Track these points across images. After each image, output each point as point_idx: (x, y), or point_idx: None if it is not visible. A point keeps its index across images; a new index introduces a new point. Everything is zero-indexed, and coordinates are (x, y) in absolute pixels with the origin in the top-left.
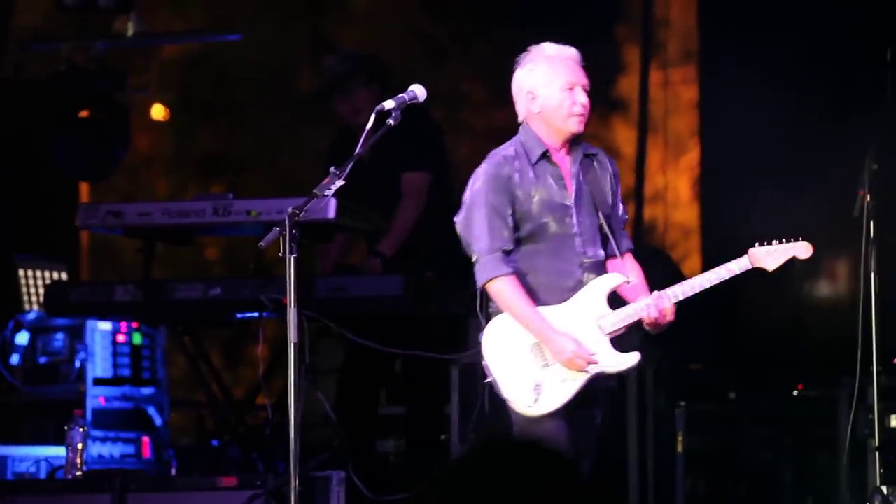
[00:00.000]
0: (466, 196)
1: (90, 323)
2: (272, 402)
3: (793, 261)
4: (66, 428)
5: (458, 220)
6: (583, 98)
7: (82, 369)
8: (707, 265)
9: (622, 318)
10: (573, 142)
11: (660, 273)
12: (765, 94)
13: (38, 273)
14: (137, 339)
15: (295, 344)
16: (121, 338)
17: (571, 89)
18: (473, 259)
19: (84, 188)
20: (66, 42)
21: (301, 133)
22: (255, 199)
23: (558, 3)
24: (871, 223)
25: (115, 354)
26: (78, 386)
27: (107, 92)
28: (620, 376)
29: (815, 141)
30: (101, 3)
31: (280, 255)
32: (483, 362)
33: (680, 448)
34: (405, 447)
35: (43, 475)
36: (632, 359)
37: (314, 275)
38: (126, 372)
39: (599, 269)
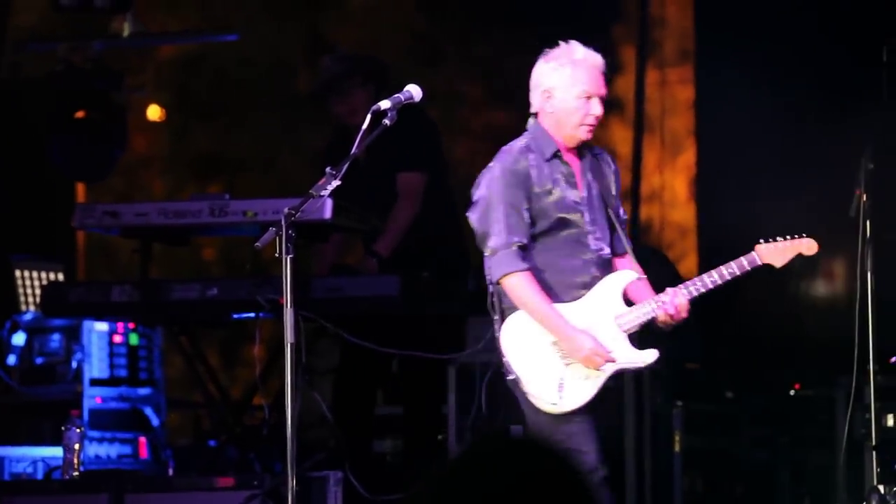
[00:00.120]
0: (482, 190)
1: (87, 323)
2: (269, 403)
3: (799, 257)
4: (62, 428)
5: (473, 214)
6: (597, 109)
7: (79, 370)
8: (704, 264)
9: (639, 314)
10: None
11: (657, 272)
12: (761, 94)
13: (35, 273)
14: (134, 339)
15: (291, 344)
16: (117, 338)
17: (588, 99)
18: (488, 253)
19: (81, 188)
20: (63, 42)
21: (298, 133)
22: (251, 200)
23: (555, 3)
24: (868, 222)
25: (111, 355)
26: (75, 386)
27: (103, 92)
28: (616, 375)
29: (812, 140)
30: (98, 4)
31: (276, 255)
32: (503, 359)
33: (677, 447)
34: (402, 447)
35: (40, 475)
36: (650, 356)
37: (310, 275)
38: (123, 372)
39: (609, 266)
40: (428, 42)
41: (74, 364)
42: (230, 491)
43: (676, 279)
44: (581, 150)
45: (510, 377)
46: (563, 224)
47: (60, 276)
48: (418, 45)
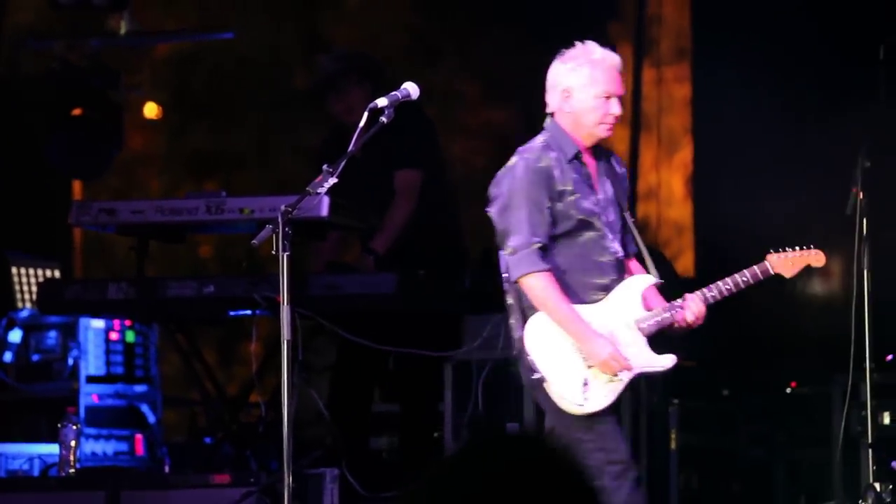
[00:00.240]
0: (503, 187)
1: (83, 321)
2: (265, 400)
3: (807, 268)
4: (59, 425)
5: (494, 211)
6: (616, 109)
7: (75, 367)
8: (700, 262)
9: (659, 319)
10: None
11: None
12: (758, 92)
13: (31, 271)
14: (130, 336)
15: (288, 341)
16: (114, 335)
17: (608, 99)
18: (508, 252)
19: (77, 186)
20: (60, 40)
21: (294, 131)
22: (248, 197)
23: (552, 2)
24: (864, 221)
25: (108, 352)
26: (71, 383)
27: (100, 90)
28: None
29: (808, 138)
30: (95, 2)
31: (273, 252)
32: (528, 358)
33: (673, 445)
34: (398, 444)
35: (36, 473)
36: (668, 360)
37: (307, 272)
38: (119, 369)
39: (624, 268)
40: (425, 40)
41: (71, 361)
42: (226, 488)
43: (673, 277)
44: (597, 151)
45: (535, 376)
46: (583, 226)
47: (57, 274)
48: (415, 44)
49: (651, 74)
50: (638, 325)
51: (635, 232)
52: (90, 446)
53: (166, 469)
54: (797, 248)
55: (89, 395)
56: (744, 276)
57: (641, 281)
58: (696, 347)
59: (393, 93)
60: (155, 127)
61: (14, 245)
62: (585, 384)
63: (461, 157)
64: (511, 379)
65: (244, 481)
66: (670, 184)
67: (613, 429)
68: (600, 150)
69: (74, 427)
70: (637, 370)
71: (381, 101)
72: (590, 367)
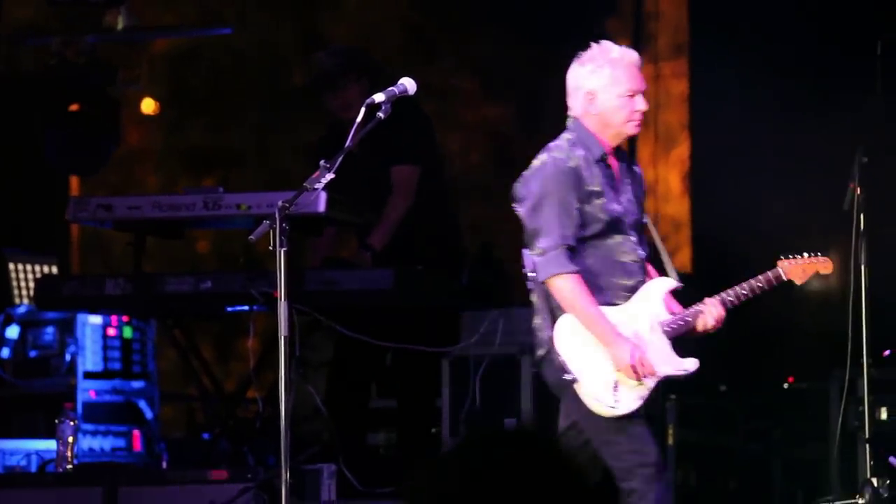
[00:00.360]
0: (533, 186)
1: (80, 316)
2: (263, 396)
3: (816, 275)
4: (56, 421)
5: (524, 210)
6: (642, 105)
7: (73, 363)
8: (697, 258)
9: (682, 322)
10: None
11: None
12: (755, 88)
13: (29, 266)
14: (128, 332)
15: (285, 337)
16: (111, 331)
17: (632, 96)
18: (537, 252)
19: (74, 182)
20: (57, 36)
21: (292, 128)
22: (245, 193)
23: None
24: (862, 216)
25: (105, 348)
26: (68, 379)
27: (98, 86)
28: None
29: (806, 134)
30: None
31: (270, 248)
32: (559, 359)
33: (671, 441)
34: (396, 440)
35: (34, 468)
36: (692, 364)
37: (304, 268)
38: (117, 365)
39: (646, 270)
40: (422, 37)
41: (68, 357)
42: (224, 484)
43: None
44: (618, 152)
45: (567, 377)
46: (611, 228)
47: (54, 270)
48: (413, 40)
49: (648, 70)
50: (662, 328)
51: (655, 234)
52: (87, 442)
53: (164, 465)
54: (806, 254)
55: (87, 391)
56: (759, 282)
57: (663, 284)
58: (693, 344)
59: (390, 88)
60: (152, 123)
61: (11, 241)
62: (616, 386)
63: (458, 152)
64: (509, 374)
65: (241, 477)
66: (667, 180)
67: (644, 431)
68: (621, 152)
69: (72, 423)
70: (662, 374)
71: (378, 97)
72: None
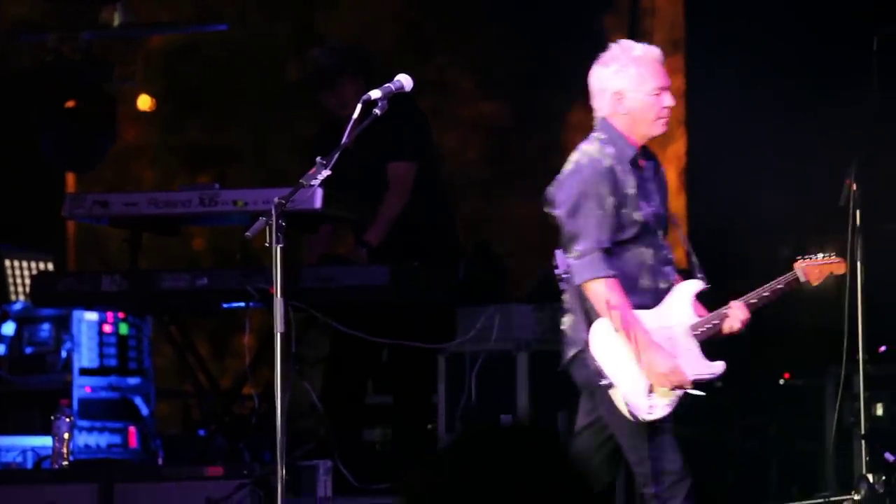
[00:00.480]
0: (571, 189)
1: (76, 313)
2: (259, 392)
3: (830, 276)
4: (52, 418)
5: (563, 213)
6: (670, 101)
7: (69, 359)
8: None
9: (710, 325)
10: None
11: None
12: (751, 84)
13: (25, 263)
14: (124, 329)
15: (281, 334)
16: (107, 328)
17: (659, 94)
18: (574, 255)
19: (70, 179)
20: (53, 33)
21: (288, 123)
22: (241, 189)
23: None
24: (857, 212)
25: (101, 344)
26: (64, 376)
27: (93, 83)
28: None
29: (802, 130)
30: None
31: (266, 244)
32: (595, 364)
33: None
34: (391, 436)
35: (29, 465)
36: (719, 367)
37: (301, 264)
38: (112, 362)
39: (675, 272)
40: (418, 34)
41: (64, 354)
42: (219, 480)
43: None
44: (646, 152)
45: (603, 382)
46: (645, 231)
47: (50, 266)
48: (409, 37)
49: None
50: (692, 332)
51: (682, 233)
52: (83, 439)
53: (159, 461)
54: (821, 255)
55: (82, 388)
56: (779, 284)
57: (692, 286)
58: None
59: (386, 85)
60: (148, 119)
61: (7, 237)
62: (650, 391)
63: (455, 149)
64: (505, 371)
65: (237, 473)
66: None
67: (670, 439)
68: (648, 151)
69: (68, 419)
70: (692, 377)
71: (375, 94)
72: None
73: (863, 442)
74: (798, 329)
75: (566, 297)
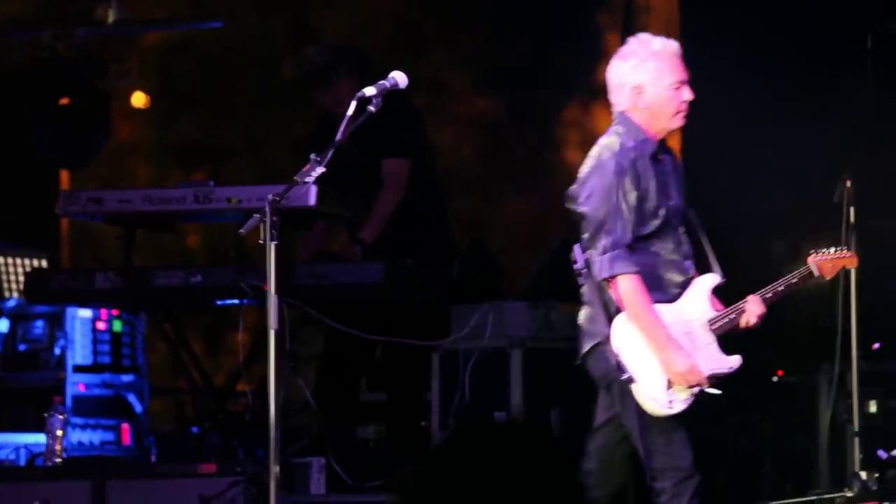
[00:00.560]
0: (596, 184)
1: (70, 310)
2: (252, 389)
3: (843, 270)
4: (45, 415)
5: (588, 209)
6: (689, 95)
7: (62, 356)
8: None
9: (728, 320)
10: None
11: None
12: (746, 81)
13: (18, 260)
14: (118, 326)
15: (275, 331)
16: (101, 325)
17: (678, 88)
18: (598, 251)
19: (65, 175)
20: (48, 30)
21: (283, 121)
22: (235, 187)
23: None
24: (852, 210)
25: (95, 341)
26: (58, 373)
27: (88, 80)
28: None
29: (796, 126)
30: None
31: (260, 241)
32: (617, 359)
33: None
34: (385, 434)
35: (23, 462)
36: (736, 361)
37: (295, 262)
38: (106, 359)
39: (693, 265)
40: (413, 30)
41: (58, 351)
42: (213, 477)
43: None
44: (664, 146)
45: (624, 377)
46: (666, 224)
47: (44, 263)
48: (403, 34)
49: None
50: (711, 326)
51: (699, 227)
52: (77, 436)
53: (153, 458)
54: (833, 249)
55: (76, 385)
56: (794, 278)
57: (710, 280)
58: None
59: (380, 82)
60: (142, 116)
61: (1, 235)
62: (669, 386)
63: (449, 146)
64: (499, 368)
65: (230, 470)
66: None
67: (683, 436)
68: (665, 145)
69: (61, 416)
70: (709, 373)
71: (369, 91)
72: None
73: (856, 439)
74: (791, 326)
75: (584, 290)
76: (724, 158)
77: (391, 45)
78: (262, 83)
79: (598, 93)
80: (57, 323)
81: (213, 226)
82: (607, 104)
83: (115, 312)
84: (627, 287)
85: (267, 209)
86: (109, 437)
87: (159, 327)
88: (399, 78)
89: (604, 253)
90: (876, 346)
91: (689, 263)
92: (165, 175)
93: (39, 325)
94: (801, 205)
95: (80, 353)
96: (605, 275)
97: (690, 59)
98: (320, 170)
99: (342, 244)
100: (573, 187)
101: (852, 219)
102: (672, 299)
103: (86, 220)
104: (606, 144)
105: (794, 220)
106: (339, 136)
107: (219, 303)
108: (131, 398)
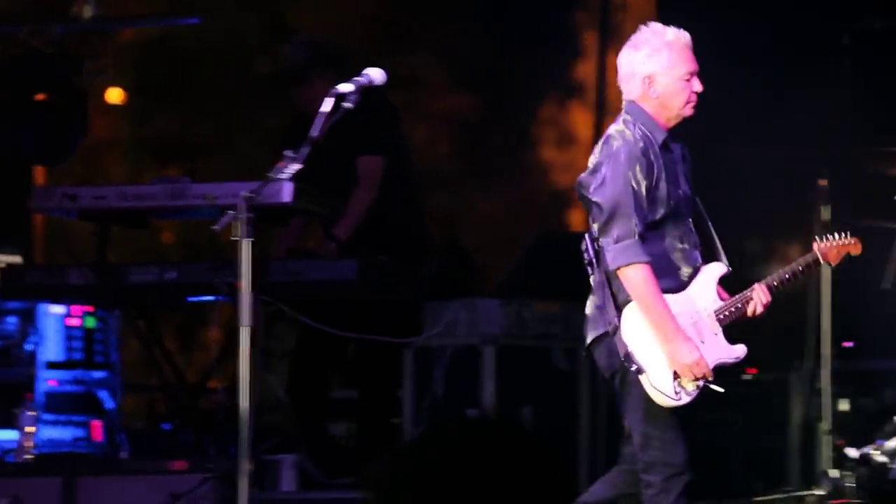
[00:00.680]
0: (607, 173)
1: (42, 306)
2: (225, 386)
3: (848, 257)
4: (16, 411)
5: (599, 196)
6: (699, 86)
7: (34, 353)
8: None
9: (734, 309)
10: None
11: None
12: (723, 80)
13: None
14: (90, 322)
15: (248, 328)
16: (73, 321)
17: (689, 79)
18: (610, 240)
19: (39, 172)
20: (24, 25)
21: (259, 118)
22: (211, 183)
23: None
24: (825, 208)
25: (67, 338)
26: (30, 369)
27: (64, 76)
28: (571, 357)
29: (771, 125)
30: None
31: (235, 238)
32: (626, 350)
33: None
34: (357, 431)
35: None
36: (741, 350)
37: (269, 258)
38: (79, 355)
39: (701, 254)
40: (389, 27)
41: (30, 347)
42: (184, 474)
43: None
44: (674, 135)
45: (633, 368)
46: (675, 213)
47: (18, 259)
48: (379, 30)
49: (616, 61)
50: (717, 316)
51: (706, 216)
52: (48, 432)
53: (124, 455)
54: (838, 235)
55: (48, 381)
56: (799, 266)
57: (717, 269)
58: None
59: (356, 78)
60: (118, 112)
61: None
62: (675, 376)
63: (424, 144)
64: (471, 365)
65: (202, 467)
66: None
67: (679, 434)
68: (675, 135)
69: (32, 413)
70: (716, 363)
71: (345, 87)
72: None
73: (827, 437)
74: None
75: (592, 280)
76: (696, 156)
77: (368, 42)
78: (239, 79)
79: (575, 90)
80: (29, 319)
81: (188, 222)
82: (584, 101)
83: (88, 309)
84: (638, 277)
85: (241, 206)
86: (81, 433)
87: (133, 324)
88: (375, 75)
89: (617, 242)
90: (848, 344)
91: (696, 253)
92: (141, 171)
93: (11, 322)
94: (775, 203)
95: (52, 349)
96: (619, 263)
97: None
98: (296, 166)
99: (317, 241)
100: (583, 176)
101: (827, 217)
102: (680, 287)
103: (60, 217)
104: (617, 133)
105: (767, 218)
106: (315, 133)
107: (193, 299)
108: (104, 395)
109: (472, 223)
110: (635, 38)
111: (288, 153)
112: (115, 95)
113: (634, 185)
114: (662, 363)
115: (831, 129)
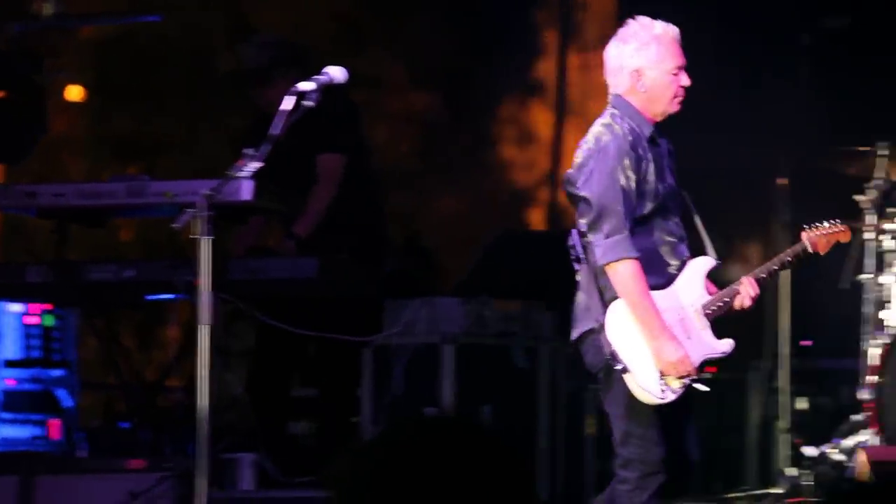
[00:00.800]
0: (595, 167)
1: (0, 304)
2: (184, 385)
3: (837, 245)
4: None
5: (587, 191)
6: (686, 81)
7: None
8: None
9: (722, 303)
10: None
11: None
12: None
13: None
14: (49, 320)
15: (206, 326)
16: (32, 319)
17: (677, 74)
18: (600, 235)
19: None
20: None
21: (219, 115)
22: (170, 181)
23: None
24: (784, 208)
25: (26, 336)
26: None
27: (24, 74)
28: (531, 356)
29: (731, 125)
30: None
31: (193, 236)
32: (611, 349)
33: (589, 431)
34: (316, 429)
35: None
36: (728, 345)
37: (228, 256)
38: (37, 354)
39: (688, 249)
40: (351, 26)
41: None
42: (142, 473)
43: None
44: (660, 130)
45: (618, 367)
46: (662, 208)
47: None
48: (341, 29)
49: (576, 60)
50: (704, 310)
51: (694, 210)
52: (5, 431)
53: (83, 454)
54: (826, 223)
55: (6, 380)
56: (787, 256)
57: (704, 263)
58: None
59: (317, 77)
60: (78, 110)
61: None
62: (661, 375)
63: (385, 142)
64: (431, 364)
65: (159, 466)
66: None
67: (659, 433)
68: (660, 129)
69: None
70: (702, 359)
71: (306, 85)
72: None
73: (784, 436)
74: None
75: (579, 276)
76: None
77: (329, 40)
78: (200, 77)
79: (535, 89)
80: None
81: (147, 220)
82: (544, 100)
83: (46, 307)
84: (626, 272)
85: (201, 203)
86: (38, 432)
87: (91, 322)
88: (336, 73)
89: (607, 237)
90: (806, 343)
91: (683, 246)
92: (100, 169)
93: None
94: (734, 202)
95: (10, 347)
96: (608, 259)
97: None
98: (256, 164)
99: (276, 239)
100: (570, 171)
101: (786, 216)
102: (668, 282)
103: (19, 214)
104: (604, 128)
105: (727, 217)
106: (276, 131)
107: (151, 298)
108: (62, 393)
109: (433, 222)
110: (623, 32)
111: (248, 151)
112: (74, 93)
113: (623, 179)
114: (648, 360)
115: (791, 129)
